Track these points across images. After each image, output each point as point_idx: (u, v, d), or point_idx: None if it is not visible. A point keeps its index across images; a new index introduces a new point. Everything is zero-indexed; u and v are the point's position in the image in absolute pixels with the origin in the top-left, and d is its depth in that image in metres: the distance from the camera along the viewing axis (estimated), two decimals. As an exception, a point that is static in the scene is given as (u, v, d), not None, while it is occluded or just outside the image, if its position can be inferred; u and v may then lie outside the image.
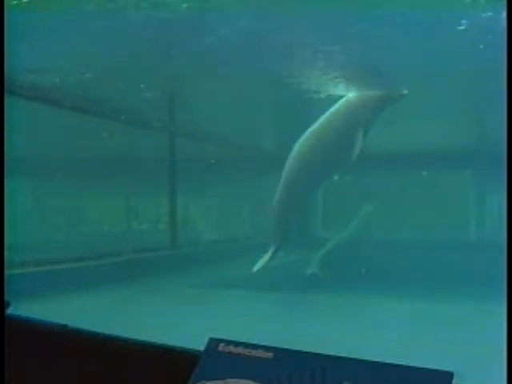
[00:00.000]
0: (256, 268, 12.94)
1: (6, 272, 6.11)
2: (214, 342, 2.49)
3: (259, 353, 2.39)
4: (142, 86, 13.57)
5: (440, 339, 7.54)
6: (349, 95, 13.14)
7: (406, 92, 12.18)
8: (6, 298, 3.40)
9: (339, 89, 14.29)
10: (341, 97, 14.26)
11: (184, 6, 9.64)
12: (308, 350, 2.44)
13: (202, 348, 2.53)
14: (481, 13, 9.78)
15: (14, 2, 8.64)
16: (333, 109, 12.83)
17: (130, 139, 16.12)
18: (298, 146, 12.90)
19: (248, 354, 2.40)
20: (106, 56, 12.02)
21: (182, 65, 12.32)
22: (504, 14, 9.25)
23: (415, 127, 15.57)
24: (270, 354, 2.37)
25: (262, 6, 9.77)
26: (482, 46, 10.78)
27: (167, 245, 15.77)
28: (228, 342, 2.46)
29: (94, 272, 11.34)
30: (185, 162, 17.00)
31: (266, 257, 13.09)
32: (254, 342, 2.39)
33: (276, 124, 18.85)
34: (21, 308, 3.68)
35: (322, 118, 12.83)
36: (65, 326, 2.65)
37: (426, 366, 2.02)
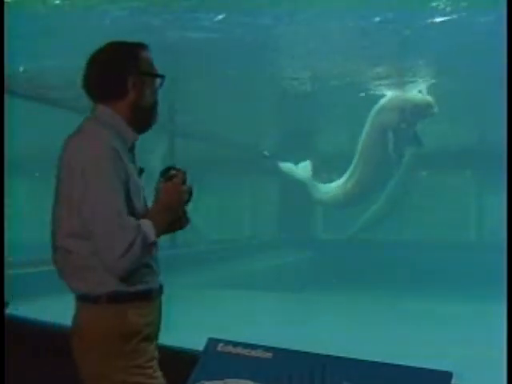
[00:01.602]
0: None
1: (10, 273, 6.11)
2: (213, 342, 2.48)
3: (258, 353, 2.38)
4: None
5: (438, 338, 7.53)
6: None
7: (435, 110, 12.58)
8: (4, 298, 3.40)
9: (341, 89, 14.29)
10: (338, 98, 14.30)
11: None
12: (305, 349, 2.44)
13: (201, 348, 2.53)
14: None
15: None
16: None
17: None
18: None
19: (247, 354, 2.39)
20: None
21: (186, 65, 12.28)
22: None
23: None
24: (269, 354, 2.36)
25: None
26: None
27: (166, 244, 15.77)
28: (227, 343, 2.46)
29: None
30: (185, 162, 16.98)
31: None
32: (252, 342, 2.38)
33: (276, 124, 18.83)
34: (19, 308, 3.68)
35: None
36: (62, 326, 2.65)
37: (424, 365, 2.03)
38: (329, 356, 2.26)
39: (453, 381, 2.05)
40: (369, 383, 2.12)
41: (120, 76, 2.19)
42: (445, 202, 18.46)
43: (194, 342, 2.64)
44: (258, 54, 11.74)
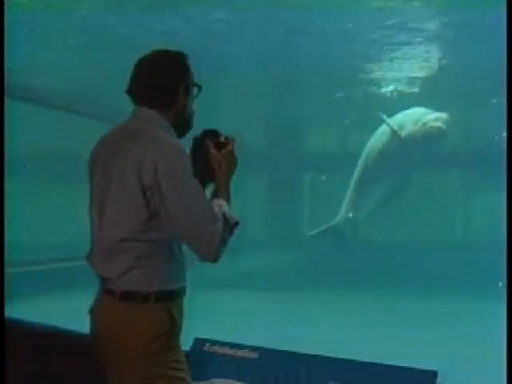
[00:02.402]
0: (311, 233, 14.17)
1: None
2: (199, 342, 2.49)
3: (245, 353, 2.38)
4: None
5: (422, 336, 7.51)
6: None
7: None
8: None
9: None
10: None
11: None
12: (295, 349, 2.44)
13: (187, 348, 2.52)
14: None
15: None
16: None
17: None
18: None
19: (234, 354, 2.40)
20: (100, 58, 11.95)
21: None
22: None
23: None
24: (255, 354, 2.36)
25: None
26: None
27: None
28: (213, 342, 2.46)
29: (80, 272, 11.31)
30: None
31: (325, 226, 14.03)
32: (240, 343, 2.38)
33: (266, 123, 18.78)
34: (7, 308, 3.66)
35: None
36: (53, 327, 2.64)
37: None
38: (315, 356, 2.27)
39: (442, 380, 2.06)
40: (354, 382, 2.13)
41: (173, 85, 2.27)
42: (438, 202, 18.46)
43: (183, 341, 2.62)
44: (241, 50, 11.71)
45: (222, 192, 2.28)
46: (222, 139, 2.32)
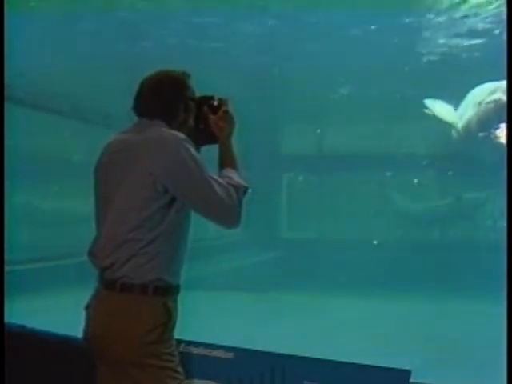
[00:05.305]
0: None
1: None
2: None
3: (220, 353, 2.40)
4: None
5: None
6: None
7: None
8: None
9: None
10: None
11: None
12: (270, 349, 2.45)
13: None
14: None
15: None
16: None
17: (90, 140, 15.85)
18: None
19: (209, 354, 2.41)
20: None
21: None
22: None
23: (382, 129, 15.58)
24: (230, 354, 2.38)
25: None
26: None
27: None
28: (188, 343, 2.46)
29: (56, 272, 11.21)
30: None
31: None
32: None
33: (242, 123, 18.68)
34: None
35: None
36: (23, 326, 2.62)
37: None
38: (290, 356, 2.28)
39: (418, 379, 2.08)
40: (329, 382, 2.14)
41: (173, 102, 2.51)
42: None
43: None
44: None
45: (227, 153, 2.51)
46: (216, 102, 2.52)
